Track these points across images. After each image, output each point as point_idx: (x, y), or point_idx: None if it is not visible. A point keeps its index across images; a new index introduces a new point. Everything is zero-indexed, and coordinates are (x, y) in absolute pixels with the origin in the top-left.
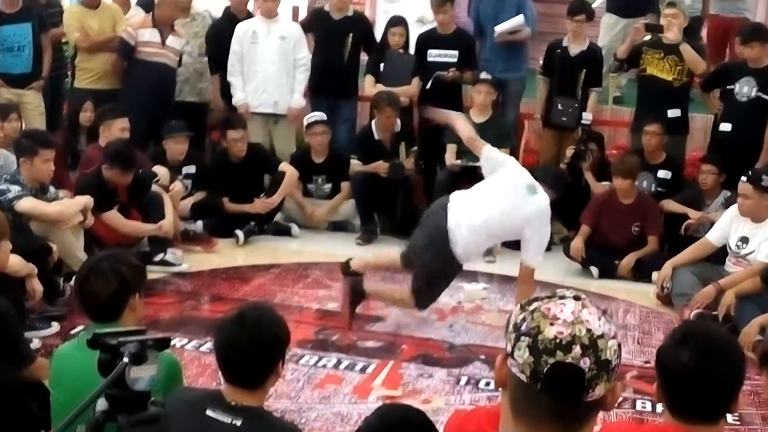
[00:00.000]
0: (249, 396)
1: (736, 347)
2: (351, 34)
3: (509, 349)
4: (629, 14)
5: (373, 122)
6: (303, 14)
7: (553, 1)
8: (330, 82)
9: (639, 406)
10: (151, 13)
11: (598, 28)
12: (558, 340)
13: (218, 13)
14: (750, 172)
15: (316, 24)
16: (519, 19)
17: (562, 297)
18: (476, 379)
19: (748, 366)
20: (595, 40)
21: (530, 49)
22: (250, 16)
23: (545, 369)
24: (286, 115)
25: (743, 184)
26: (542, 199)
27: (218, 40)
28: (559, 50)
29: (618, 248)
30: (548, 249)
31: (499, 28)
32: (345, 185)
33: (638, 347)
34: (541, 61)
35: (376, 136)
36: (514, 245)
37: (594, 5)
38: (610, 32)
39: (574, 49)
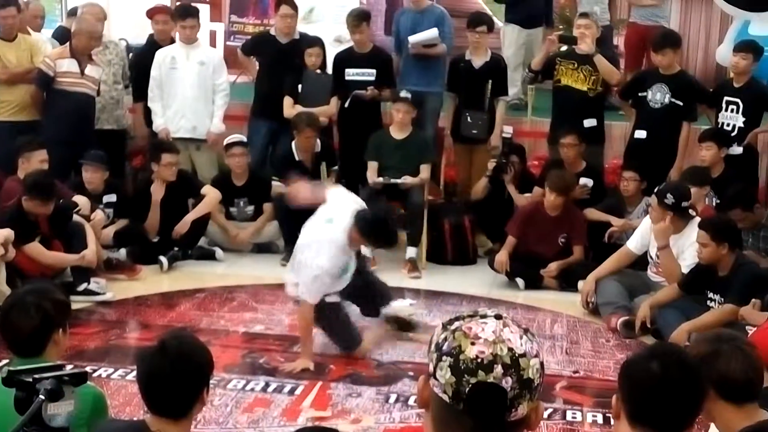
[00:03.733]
0: (174, 425)
1: (700, 367)
2: (296, 59)
3: (431, 369)
4: (530, 25)
5: (293, 143)
6: (220, 39)
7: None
8: (274, 107)
9: (569, 416)
10: (68, 43)
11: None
12: (479, 360)
13: (134, 41)
14: (660, 188)
15: (261, 48)
16: (433, 32)
17: (484, 316)
18: (405, 396)
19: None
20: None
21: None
22: (173, 43)
23: (467, 389)
24: (206, 140)
25: (652, 197)
26: (331, 231)
27: (140, 67)
28: (462, 64)
29: (544, 259)
30: (473, 262)
31: (413, 39)
32: (267, 207)
33: (567, 357)
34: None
35: (296, 157)
36: (438, 259)
37: None
38: (514, 44)
39: (478, 62)
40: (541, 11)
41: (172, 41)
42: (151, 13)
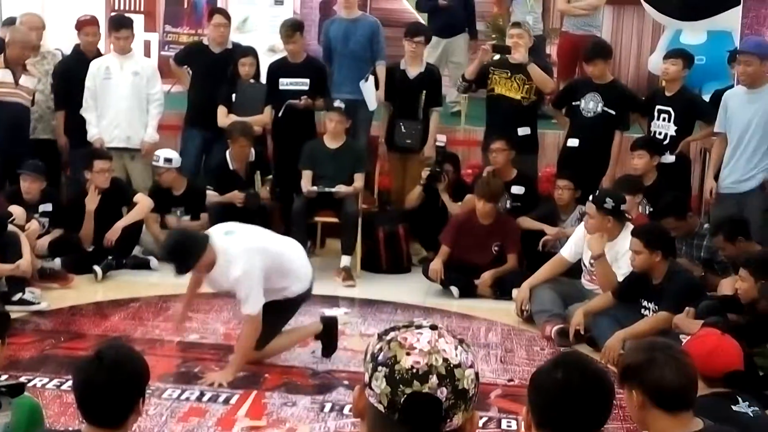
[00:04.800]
0: None
1: (607, 375)
2: (229, 68)
3: (367, 378)
4: (449, 34)
5: (227, 152)
6: (155, 49)
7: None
8: (207, 116)
9: (504, 425)
10: (2, 54)
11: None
12: (415, 370)
13: (69, 50)
14: (597, 192)
15: (194, 58)
16: (373, 105)
17: (419, 326)
18: (340, 405)
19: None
20: None
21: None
22: (98, 54)
23: (402, 399)
24: (141, 150)
25: (589, 203)
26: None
27: (65, 76)
28: (398, 73)
29: (478, 268)
30: (408, 270)
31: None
32: (204, 216)
33: (501, 365)
34: None
35: (230, 167)
36: (373, 268)
37: None
38: (433, 53)
39: (413, 71)
40: (460, 21)
41: (98, 52)
42: (80, 26)
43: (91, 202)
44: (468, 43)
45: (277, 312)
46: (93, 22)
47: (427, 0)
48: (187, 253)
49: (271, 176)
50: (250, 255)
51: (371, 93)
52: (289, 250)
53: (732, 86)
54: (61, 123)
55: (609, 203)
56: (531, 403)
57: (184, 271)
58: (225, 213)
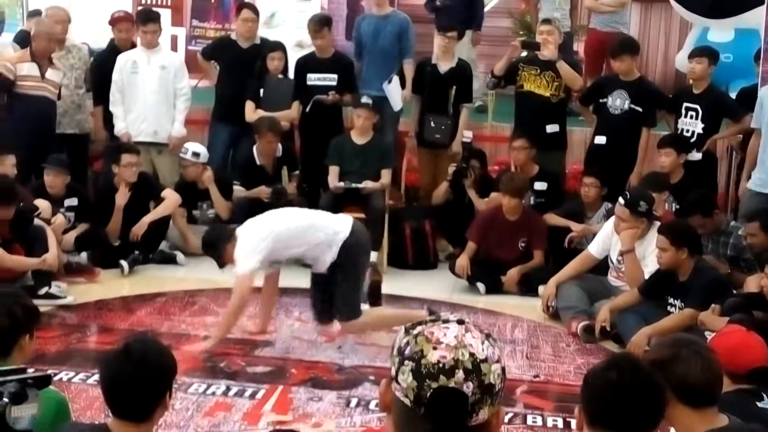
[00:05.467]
0: (136, 429)
1: (659, 376)
2: (257, 63)
3: (393, 372)
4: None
5: (254, 147)
6: (182, 43)
7: (429, 21)
8: (235, 111)
9: (530, 420)
10: (28, 47)
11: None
12: (441, 365)
13: (96, 45)
14: (628, 195)
15: (221, 52)
16: (398, 105)
17: (446, 321)
18: (366, 400)
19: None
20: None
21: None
22: (134, 47)
23: (428, 393)
24: (168, 145)
25: (620, 207)
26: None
27: (101, 72)
28: (429, 68)
29: (505, 264)
30: (434, 266)
31: (387, 88)
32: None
33: (527, 362)
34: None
35: (257, 162)
36: (399, 264)
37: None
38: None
39: (444, 66)
40: (461, 19)
41: (134, 47)
42: (114, 22)
43: (121, 197)
44: (472, 36)
45: (343, 276)
46: (127, 18)
47: (429, 0)
48: (214, 247)
49: (297, 172)
50: (254, 226)
51: (396, 93)
52: (315, 222)
53: (757, 84)
54: (99, 118)
55: (643, 207)
56: (584, 402)
57: (220, 265)
58: (251, 208)
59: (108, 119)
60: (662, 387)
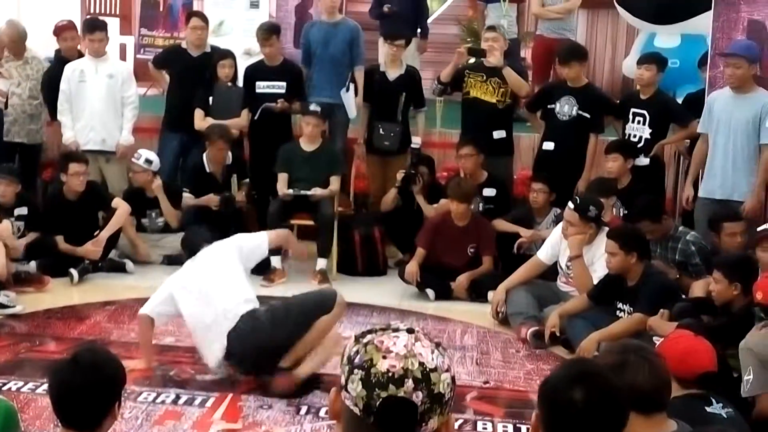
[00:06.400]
0: None
1: (622, 391)
2: (207, 71)
3: (343, 381)
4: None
5: (204, 155)
6: (131, 52)
7: (375, 28)
8: (185, 119)
9: (480, 427)
10: None
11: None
12: (390, 374)
13: (45, 54)
14: (577, 200)
15: (172, 61)
16: (352, 113)
17: (396, 330)
18: (316, 407)
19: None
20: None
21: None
22: (81, 56)
23: (377, 403)
24: (116, 153)
25: (569, 212)
26: None
27: (51, 85)
28: (377, 75)
29: (454, 270)
30: (383, 273)
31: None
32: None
33: (477, 368)
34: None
35: (207, 169)
36: (349, 270)
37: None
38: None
39: (393, 74)
40: (408, 26)
41: (81, 56)
42: (58, 31)
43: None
44: (418, 43)
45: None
46: (70, 26)
47: (374, 8)
48: None
49: (247, 180)
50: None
51: (352, 100)
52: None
53: (704, 90)
54: (57, 131)
55: (593, 212)
56: (545, 419)
57: None
58: (200, 216)
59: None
60: (626, 404)
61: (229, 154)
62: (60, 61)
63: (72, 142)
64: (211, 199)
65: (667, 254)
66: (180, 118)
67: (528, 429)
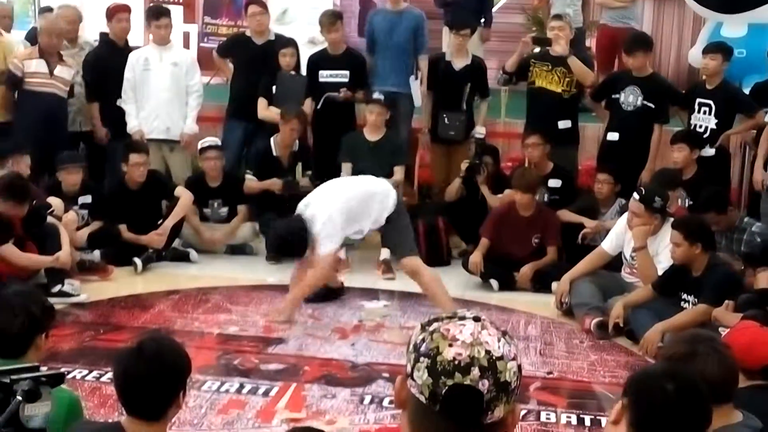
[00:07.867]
0: (149, 428)
1: (709, 395)
2: (271, 60)
3: (409, 369)
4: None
5: (272, 138)
6: (194, 40)
7: (439, 17)
8: (249, 108)
9: (543, 417)
10: (36, 44)
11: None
12: (457, 362)
13: None
14: (643, 191)
15: (236, 49)
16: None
17: (462, 318)
18: (380, 397)
19: None
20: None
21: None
22: (128, 44)
23: (443, 391)
24: (180, 142)
25: (635, 203)
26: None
27: (97, 67)
28: (442, 64)
29: (518, 260)
30: (447, 263)
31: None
32: (241, 208)
33: (540, 358)
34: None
35: (274, 153)
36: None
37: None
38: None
39: (459, 63)
40: (471, 15)
41: (127, 43)
42: (111, 12)
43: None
44: (481, 32)
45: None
46: (125, 8)
47: None
48: (296, 246)
49: (310, 172)
50: (327, 209)
51: (419, 88)
52: (365, 188)
53: None
54: (96, 114)
55: (658, 203)
56: (632, 408)
57: (299, 256)
58: (263, 200)
59: (105, 115)
60: (711, 405)
61: (297, 141)
62: (106, 44)
63: (137, 131)
64: (275, 183)
65: (733, 246)
66: (244, 106)
67: (591, 419)
